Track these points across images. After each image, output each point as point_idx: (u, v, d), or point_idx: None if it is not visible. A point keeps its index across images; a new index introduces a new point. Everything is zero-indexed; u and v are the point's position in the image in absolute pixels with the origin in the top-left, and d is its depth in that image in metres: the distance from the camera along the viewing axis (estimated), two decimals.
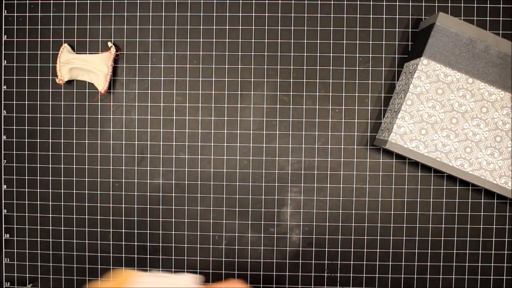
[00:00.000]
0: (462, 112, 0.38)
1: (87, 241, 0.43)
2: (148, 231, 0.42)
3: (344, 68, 0.42)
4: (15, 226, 0.43)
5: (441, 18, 0.38)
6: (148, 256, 0.42)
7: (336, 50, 0.42)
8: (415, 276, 0.42)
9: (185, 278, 0.36)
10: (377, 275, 0.42)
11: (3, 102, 0.43)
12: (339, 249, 0.42)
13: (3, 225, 0.43)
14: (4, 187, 0.43)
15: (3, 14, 0.43)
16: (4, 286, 0.43)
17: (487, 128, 0.38)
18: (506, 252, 0.42)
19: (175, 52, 0.42)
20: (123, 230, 0.43)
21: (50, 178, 0.43)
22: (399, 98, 0.39)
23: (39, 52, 0.43)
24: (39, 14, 0.43)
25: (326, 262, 0.42)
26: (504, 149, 0.38)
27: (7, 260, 0.43)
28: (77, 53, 0.42)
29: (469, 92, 0.38)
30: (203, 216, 0.42)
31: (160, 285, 0.35)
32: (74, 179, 0.43)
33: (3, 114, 0.43)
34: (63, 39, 0.43)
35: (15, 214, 0.43)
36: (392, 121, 0.39)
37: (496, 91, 0.38)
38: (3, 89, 0.43)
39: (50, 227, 0.43)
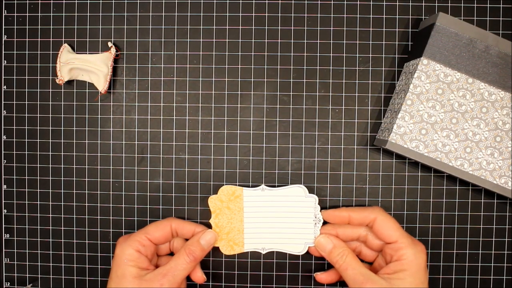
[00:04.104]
0: (462, 112, 0.38)
1: (87, 241, 0.43)
2: None
3: (344, 68, 0.42)
4: (15, 226, 0.43)
5: (441, 18, 0.38)
6: None
7: (336, 50, 0.42)
8: None
9: (293, 189, 0.40)
10: None
11: (3, 102, 0.43)
12: None
13: (3, 225, 0.43)
14: (4, 187, 0.43)
15: (3, 14, 0.43)
16: (4, 286, 0.43)
17: (487, 128, 0.38)
18: (506, 252, 0.42)
19: (175, 52, 0.42)
20: (123, 230, 0.43)
21: (50, 178, 0.43)
22: (399, 98, 0.39)
23: (39, 52, 0.43)
24: (39, 14, 0.43)
25: (326, 262, 0.42)
26: (504, 149, 0.38)
27: (7, 260, 0.43)
28: (77, 53, 0.42)
29: (469, 92, 0.38)
30: (203, 216, 0.42)
31: (271, 197, 0.40)
32: (74, 179, 0.43)
33: (3, 114, 0.43)
34: (63, 39, 0.43)
35: (15, 214, 0.43)
36: (392, 121, 0.39)
37: (496, 91, 0.38)
38: (3, 89, 0.43)
39: (50, 227, 0.43)
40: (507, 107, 0.38)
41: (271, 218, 0.40)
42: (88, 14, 0.43)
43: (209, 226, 0.40)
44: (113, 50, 0.41)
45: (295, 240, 0.40)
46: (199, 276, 0.39)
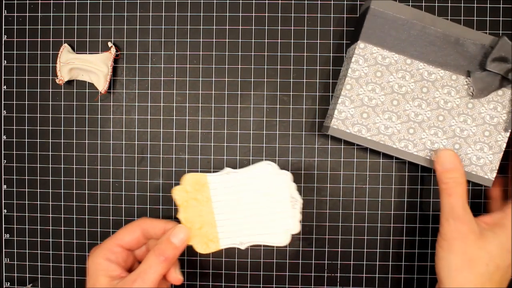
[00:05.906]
0: (403, 94, 0.38)
1: (87, 241, 0.43)
2: None
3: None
4: (15, 226, 0.43)
5: (376, 1, 0.37)
6: None
7: (336, 50, 0.42)
8: (415, 276, 0.42)
9: (260, 166, 0.36)
10: (377, 275, 0.42)
11: (3, 102, 0.43)
12: (339, 249, 0.42)
13: (3, 225, 0.43)
14: (4, 187, 0.43)
15: (3, 14, 0.43)
16: (4, 286, 0.43)
17: (429, 108, 0.38)
18: None
19: (175, 52, 0.42)
20: None
21: (50, 178, 0.43)
22: (340, 84, 0.39)
23: (39, 52, 0.43)
24: (39, 14, 0.43)
25: (326, 262, 0.42)
26: (448, 128, 0.38)
27: (7, 260, 0.43)
28: (77, 53, 0.42)
29: (408, 73, 0.38)
30: None
31: (238, 180, 0.36)
32: (74, 179, 0.43)
33: (3, 114, 0.43)
34: (63, 39, 0.43)
35: (15, 214, 0.43)
36: (333, 107, 0.39)
37: (436, 70, 0.38)
38: (3, 89, 0.43)
39: (50, 227, 0.43)
40: (448, 86, 0.38)
41: (243, 205, 0.36)
42: (88, 14, 0.43)
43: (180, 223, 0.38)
44: (113, 50, 0.41)
45: (274, 229, 0.36)
46: (174, 277, 0.35)
